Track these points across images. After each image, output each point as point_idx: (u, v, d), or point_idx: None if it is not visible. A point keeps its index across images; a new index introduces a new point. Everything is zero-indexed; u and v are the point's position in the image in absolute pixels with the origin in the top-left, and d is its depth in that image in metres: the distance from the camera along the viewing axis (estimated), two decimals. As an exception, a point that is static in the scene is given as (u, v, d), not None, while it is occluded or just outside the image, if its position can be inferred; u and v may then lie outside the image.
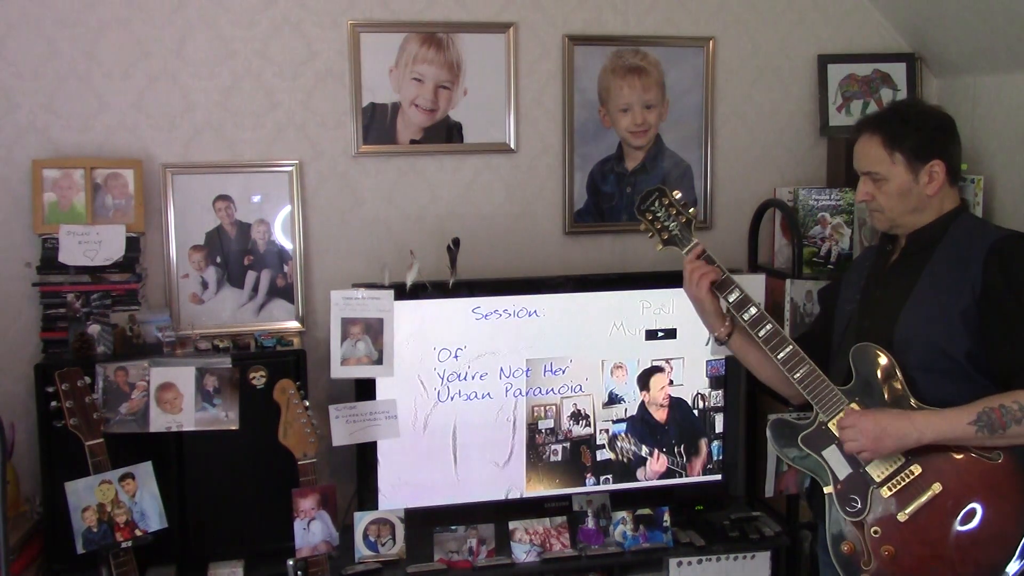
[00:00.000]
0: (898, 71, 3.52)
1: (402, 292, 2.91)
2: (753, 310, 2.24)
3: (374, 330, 2.89)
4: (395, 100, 3.18)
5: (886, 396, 2.12)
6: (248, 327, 3.08)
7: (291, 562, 2.73)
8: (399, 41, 3.16)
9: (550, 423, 3.09)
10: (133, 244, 2.93)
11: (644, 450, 3.17)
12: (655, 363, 3.14)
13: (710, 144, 3.45)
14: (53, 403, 2.63)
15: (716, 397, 3.20)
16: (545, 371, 3.07)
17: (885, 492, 2.09)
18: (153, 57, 3.01)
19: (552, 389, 3.08)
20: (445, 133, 3.24)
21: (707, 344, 3.09)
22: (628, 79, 3.34)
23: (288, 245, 3.13)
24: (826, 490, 2.17)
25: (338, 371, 2.90)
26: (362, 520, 2.93)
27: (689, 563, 3.05)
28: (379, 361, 2.90)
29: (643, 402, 3.15)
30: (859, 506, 2.12)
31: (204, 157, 3.07)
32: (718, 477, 3.24)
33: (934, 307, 2.10)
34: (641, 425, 3.15)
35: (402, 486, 3.00)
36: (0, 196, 2.94)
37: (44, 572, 2.78)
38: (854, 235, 3.24)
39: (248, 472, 2.87)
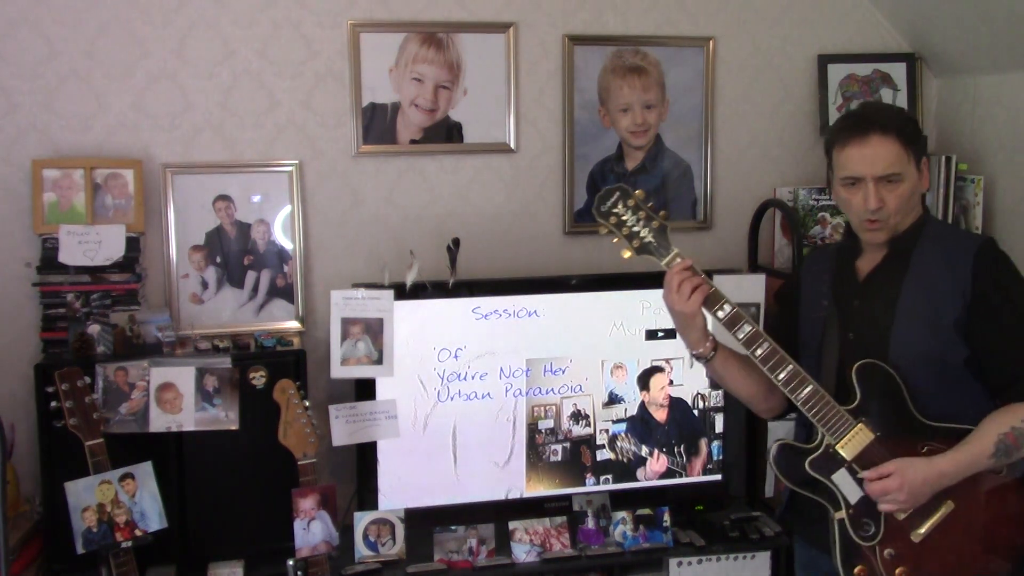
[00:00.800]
0: (898, 71, 3.52)
1: (402, 292, 2.91)
2: (748, 327, 2.07)
3: (374, 330, 2.90)
4: (395, 100, 3.18)
5: (894, 416, 2.06)
6: (248, 327, 3.08)
7: (291, 562, 2.74)
8: (399, 41, 3.16)
9: (550, 423, 3.09)
10: (133, 244, 2.93)
11: (644, 450, 3.16)
12: (655, 363, 3.14)
13: (710, 144, 3.45)
14: (53, 403, 2.63)
15: (716, 397, 3.20)
16: (545, 371, 3.06)
17: (900, 514, 2.03)
18: (153, 57, 3.01)
19: (552, 389, 3.08)
20: (445, 133, 3.24)
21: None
22: (628, 79, 3.34)
23: (288, 245, 3.13)
24: (837, 516, 2.07)
25: (338, 371, 2.90)
26: (362, 520, 2.93)
27: (689, 563, 3.05)
28: (379, 361, 2.90)
29: (643, 402, 3.14)
30: (873, 530, 2.05)
31: (204, 157, 3.07)
32: (718, 477, 3.24)
33: (927, 318, 2.05)
34: (641, 425, 3.15)
35: (402, 486, 3.00)
36: (0, 196, 2.94)
37: (44, 572, 2.78)
38: (854, 235, 3.23)
39: (248, 472, 2.87)
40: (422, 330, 2.98)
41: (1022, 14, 2.99)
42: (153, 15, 2.99)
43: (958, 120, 3.48)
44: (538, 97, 3.30)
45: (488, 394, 3.03)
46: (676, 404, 3.17)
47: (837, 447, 2.06)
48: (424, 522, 3.00)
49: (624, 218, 2.11)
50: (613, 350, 3.10)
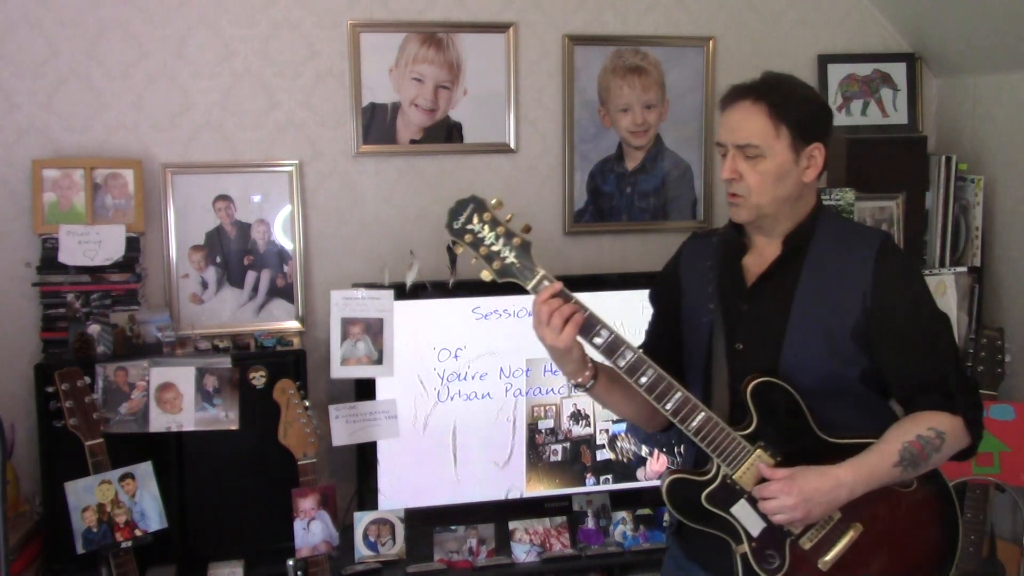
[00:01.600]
0: (898, 71, 3.52)
1: (402, 292, 2.91)
2: (629, 354, 1.85)
3: (374, 330, 2.90)
4: (395, 100, 3.18)
5: (795, 438, 1.88)
6: (248, 327, 3.08)
7: (291, 562, 2.74)
8: (399, 41, 3.16)
9: (550, 423, 3.09)
10: (133, 244, 2.93)
11: (644, 450, 3.16)
12: (655, 363, 3.14)
13: (710, 144, 3.45)
14: (53, 403, 2.63)
15: (716, 397, 3.20)
16: (545, 371, 3.06)
17: (806, 543, 1.88)
18: (153, 57, 3.01)
19: (552, 389, 3.08)
20: (445, 133, 3.24)
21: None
22: (628, 79, 3.34)
23: (288, 245, 3.13)
24: (739, 550, 1.88)
25: (338, 371, 2.90)
26: (362, 520, 2.93)
27: (689, 563, 3.05)
28: (379, 361, 2.90)
29: (643, 402, 3.14)
30: (778, 562, 1.87)
31: (204, 157, 3.07)
32: (718, 477, 3.24)
33: (821, 328, 1.88)
34: (641, 425, 3.15)
35: (402, 486, 3.00)
36: (0, 196, 2.94)
37: (44, 572, 2.78)
38: (854, 235, 3.23)
39: (248, 472, 2.87)
40: (422, 330, 2.98)
41: (1022, 14, 2.99)
42: (153, 15, 2.99)
43: (958, 120, 3.48)
44: (538, 97, 3.30)
45: (488, 394, 3.03)
46: (676, 404, 3.17)
47: (735, 476, 1.88)
48: (424, 522, 3.00)
49: (481, 235, 1.86)
50: (613, 350, 3.10)
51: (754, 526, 1.88)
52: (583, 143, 3.34)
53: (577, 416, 3.11)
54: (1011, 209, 3.25)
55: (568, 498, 3.11)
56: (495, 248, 1.86)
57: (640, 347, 1.95)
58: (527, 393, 3.06)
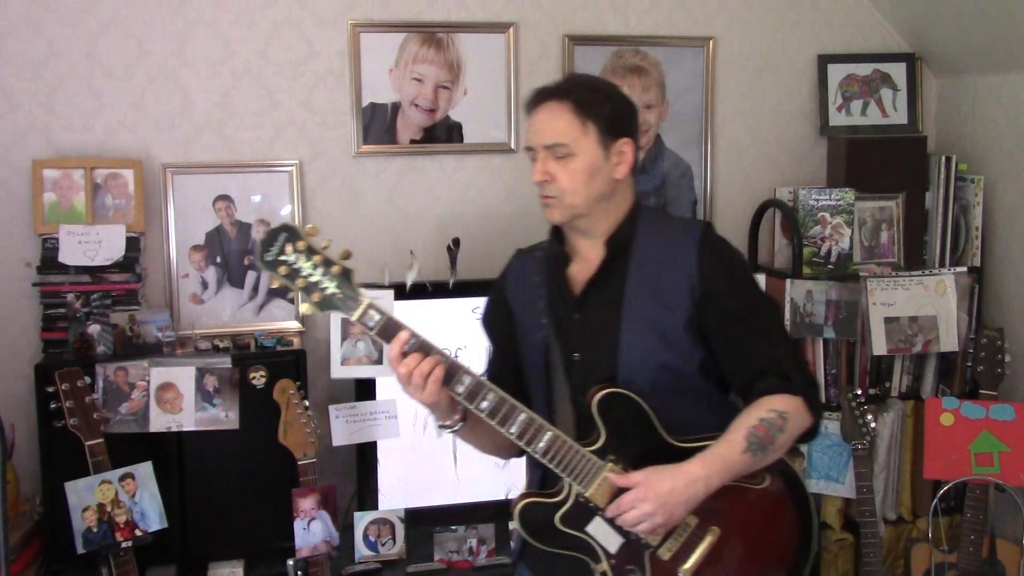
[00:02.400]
0: (898, 71, 3.52)
1: (402, 292, 2.91)
2: (491, 396, 1.80)
3: (374, 330, 2.89)
4: (395, 100, 3.18)
5: (644, 446, 1.85)
6: (248, 327, 3.08)
7: (291, 562, 2.74)
8: (399, 41, 3.16)
9: (550, 423, 3.09)
10: (133, 244, 2.93)
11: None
12: (655, 363, 3.13)
13: (710, 144, 3.45)
14: (53, 403, 2.63)
15: (716, 397, 3.19)
16: (545, 371, 3.06)
17: (664, 553, 1.84)
18: (153, 57, 3.01)
19: (552, 389, 3.07)
20: (445, 133, 3.24)
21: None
22: (628, 79, 3.34)
23: (288, 245, 3.13)
24: (598, 569, 1.85)
25: (338, 371, 2.90)
26: (362, 520, 2.93)
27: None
28: (379, 361, 2.90)
29: (643, 402, 3.13)
30: (639, 575, 1.85)
31: (204, 157, 3.07)
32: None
33: (656, 324, 1.88)
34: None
35: (402, 486, 3.00)
36: (0, 196, 2.94)
37: (44, 572, 2.78)
38: (854, 235, 3.24)
39: (248, 472, 2.87)
40: (422, 330, 2.96)
41: (1022, 15, 2.99)
42: (153, 15, 2.99)
43: (958, 120, 3.48)
44: (538, 97, 3.30)
45: (488, 394, 3.02)
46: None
47: (588, 494, 1.83)
48: (424, 522, 3.00)
49: (297, 266, 1.76)
50: (613, 350, 3.10)
51: (612, 543, 1.85)
52: (583, 143, 3.34)
53: (577, 416, 3.10)
54: (1011, 209, 3.25)
55: (568, 498, 3.11)
56: (313, 279, 1.76)
57: (489, 375, 1.95)
58: (527, 393, 3.06)
